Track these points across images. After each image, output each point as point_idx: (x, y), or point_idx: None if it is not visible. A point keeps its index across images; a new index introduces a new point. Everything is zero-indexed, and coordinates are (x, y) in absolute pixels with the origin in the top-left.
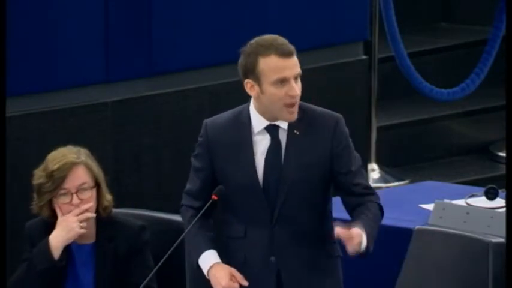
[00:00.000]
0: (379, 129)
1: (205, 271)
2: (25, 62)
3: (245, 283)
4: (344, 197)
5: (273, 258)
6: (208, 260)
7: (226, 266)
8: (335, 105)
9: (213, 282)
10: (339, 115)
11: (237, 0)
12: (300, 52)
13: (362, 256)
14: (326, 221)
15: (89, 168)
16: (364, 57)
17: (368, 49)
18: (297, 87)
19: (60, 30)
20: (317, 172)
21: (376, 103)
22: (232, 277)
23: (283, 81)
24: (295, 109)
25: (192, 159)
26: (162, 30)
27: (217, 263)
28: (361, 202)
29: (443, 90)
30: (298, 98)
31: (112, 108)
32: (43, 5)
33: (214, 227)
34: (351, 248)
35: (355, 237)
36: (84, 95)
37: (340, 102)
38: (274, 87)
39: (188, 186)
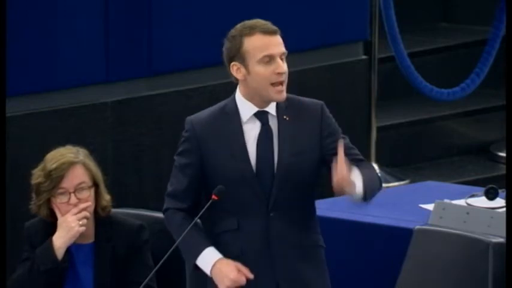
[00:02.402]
0: (379, 129)
1: (207, 269)
2: (25, 62)
3: (251, 276)
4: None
5: (270, 246)
6: (210, 258)
7: (230, 261)
8: (335, 105)
9: (218, 277)
10: (321, 101)
11: (237, 0)
12: (300, 52)
13: (361, 200)
14: (312, 210)
15: (87, 168)
16: (364, 57)
17: (368, 49)
18: (283, 65)
19: (60, 30)
20: (309, 158)
21: (376, 103)
22: (238, 271)
23: (269, 60)
24: (284, 88)
25: (177, 158)
26: (162, 30)
27: (221, 258)
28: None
29: (443, 90)
30: (285, 77)
31: (112, 108)
32: (43, 5)
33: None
34: (336, 180)
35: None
36: (84, 95)
37: (340, 102)
38: (261, 66)
39: (172, 188)
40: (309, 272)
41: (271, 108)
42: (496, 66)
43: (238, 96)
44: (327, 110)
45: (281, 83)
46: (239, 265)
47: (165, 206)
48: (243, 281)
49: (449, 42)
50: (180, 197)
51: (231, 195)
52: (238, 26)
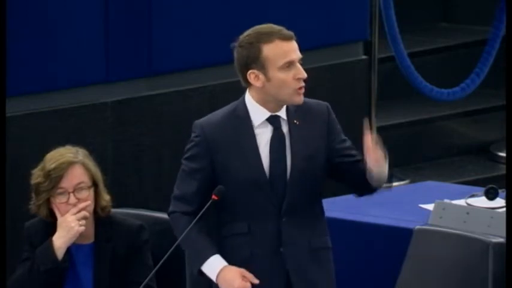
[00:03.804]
0: (379, 129)
1: (213, 277)
2: (25, 62)
3: (256, 281)
4: (350, 175)
5: (282, 249)
6: (216, 265)
7: (234, 268)
8: (335, 105)
9: (223, 285)
10: (326, 102)
11: (237, 0)
12: (300, 52)
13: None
14: (321, 212)
15: (87, 168)
16: (364, 57)
17: (368, 49)
18: (303, 70)
19: (60, 30)
20: (319, 160)
21: (376, 103)
22: (243, 277)
23: (290, 65)
24: (302, 91)
25: (186, 162)
26: (162, 30)
27: (226, 266)
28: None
29: (443, 90)
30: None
31: (112, 108)
32: (43, 5)
33: (211, 227)
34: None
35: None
36: (84, 95)
37: (340, 102)
38: (282, 72)
39: (179, 191)
40: (318, 274)
41: (282, 113)
42: (496, 66)
43: (249, 100)
44: (332, 111)
45: (301, 88)
46: (244, 271)
47: (171, 209)
48: (248, 287)
49: (449, 42)
50: (188, 200)
51: (244, 199)
52: (252, 32)
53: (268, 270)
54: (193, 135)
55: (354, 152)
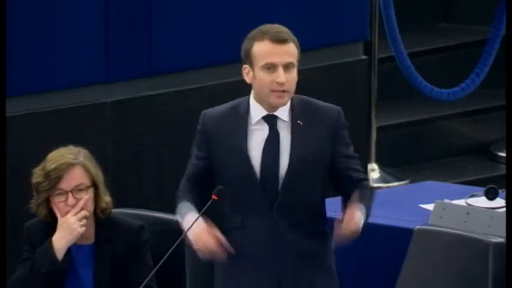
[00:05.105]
0: (379, 129)
1: (186, 227)
2: (25, 62)
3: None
4: (340, 183)
5: (273, 245)
6: (190, 219)
7: (204, 225)
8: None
9: (192, 238)
10: (338, 107)
11: (237, 0)
12: (301, 52)
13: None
14: (320, 213)
15: (87, 169)
16: (364, 57)
17: (368, 49)
18: (283, 76)
19: (60, 30)
20: (321, 162)
21: (376, 103)
22: (216, 239)
23: (271, 67)
24: (285, 94)
25: (193, 147)
26: (162, 30)
27: (199, 222)
28: (357, 187)
29: (443, 90)
30: (288, 87)
31: (112, 108)
32: (43, 5)
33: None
34: (345, 232)
35: (353, 221)
36: (84, 95)
37: (340, 102)
38: (263, 72)
39: (186, 171)
40: (313, 275)
41: (282, 113)
42: (496, 66)
43: (251, 98)
44: (343, 117)
45: (282, 91)
46: (216, 233)
47: (179, 188)
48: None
49: (449, 42)
50: (192, 181)
51: (237, 193)
52: (257, 28)
53: (259, 266)
54: (199, 122)
55: (351, 163)
